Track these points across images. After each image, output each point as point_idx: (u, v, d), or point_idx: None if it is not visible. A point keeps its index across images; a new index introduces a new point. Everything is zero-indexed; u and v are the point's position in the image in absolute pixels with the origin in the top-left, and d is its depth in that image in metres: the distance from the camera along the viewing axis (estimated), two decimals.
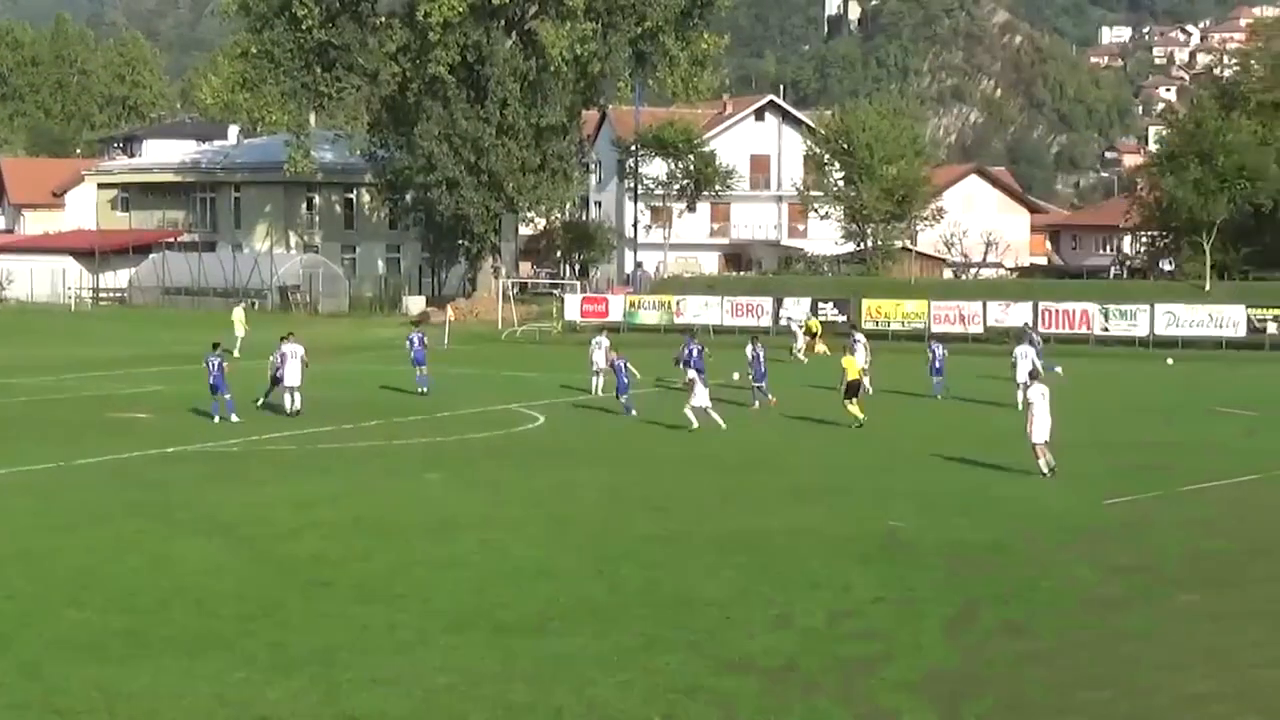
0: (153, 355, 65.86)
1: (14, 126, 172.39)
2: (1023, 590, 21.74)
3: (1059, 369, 52.31)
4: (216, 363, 42.77)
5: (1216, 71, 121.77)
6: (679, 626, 19.54)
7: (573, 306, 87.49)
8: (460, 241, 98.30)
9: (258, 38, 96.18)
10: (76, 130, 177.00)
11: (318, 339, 72.68)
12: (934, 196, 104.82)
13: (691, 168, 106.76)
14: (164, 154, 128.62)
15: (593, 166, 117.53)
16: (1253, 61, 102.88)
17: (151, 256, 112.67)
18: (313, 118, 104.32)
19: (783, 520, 27.18)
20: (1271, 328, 73.37)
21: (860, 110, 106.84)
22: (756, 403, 46.65)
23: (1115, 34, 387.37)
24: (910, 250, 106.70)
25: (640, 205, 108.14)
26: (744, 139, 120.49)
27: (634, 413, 44.41)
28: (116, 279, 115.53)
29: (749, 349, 48.38)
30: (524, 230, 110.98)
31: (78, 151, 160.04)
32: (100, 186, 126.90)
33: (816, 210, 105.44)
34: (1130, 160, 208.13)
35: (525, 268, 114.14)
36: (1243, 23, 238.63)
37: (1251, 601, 21.26)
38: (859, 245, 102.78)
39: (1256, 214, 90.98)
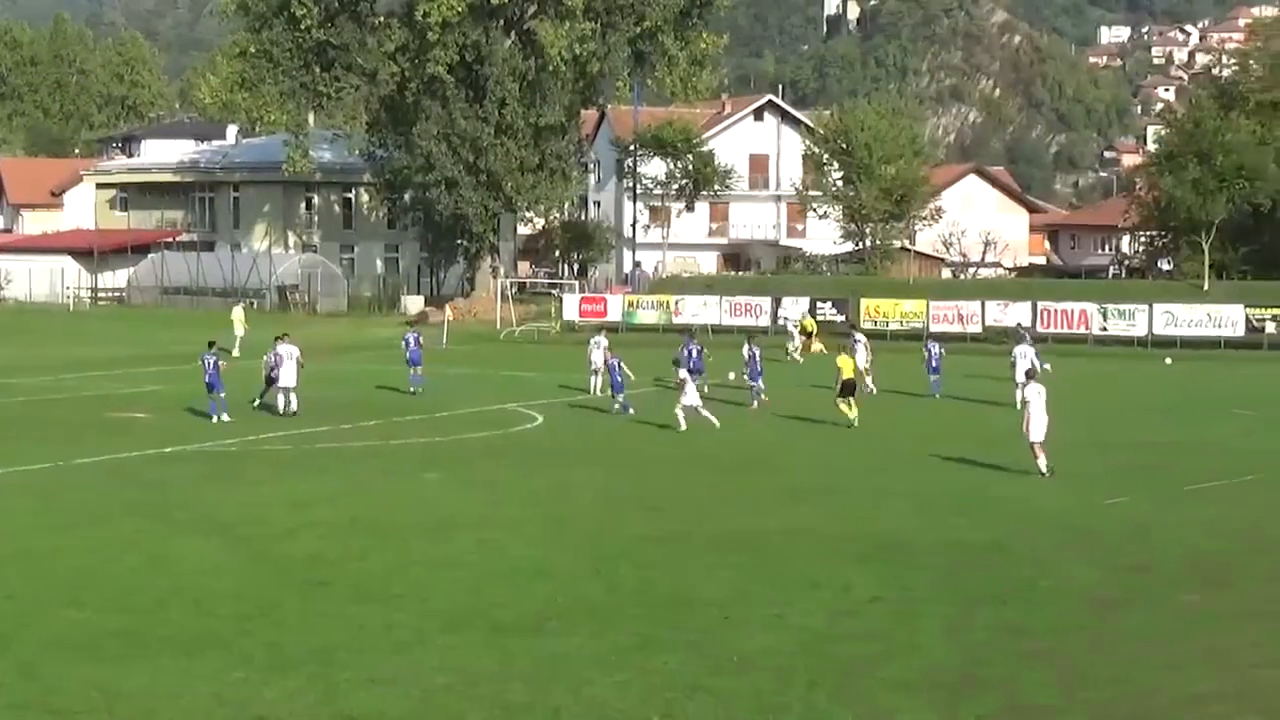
0: (151, 355, 65.87)
1: (12, 126, 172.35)
2: (1021, 590, 21.72)
3: (1047, 366, 52.38)
4: (212, 361, 42.83)
5: (1215, 71, 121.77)
6: (677, 626, 19.52)
7: (571, 306, 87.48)
8: (459, 241, 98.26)
9: (256, 37, 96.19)
10: (75, 130, 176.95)
11: (316, 338, 72.72)
12: (932, 196, 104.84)
13: (690, 167, 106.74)
14: (162, 154, 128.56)
15: (591, 166, 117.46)
16: (1251, 61, 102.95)
17: (150, 256, 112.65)
18: (311, 117, 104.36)
19: (780, 520, 27.17)
20: (1270, 327, 73.42)
21: (859, 110, 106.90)
22: (755, 402, 46.67)
23: (1114, 34, 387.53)
24: (909, 250, 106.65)
25: (639, 205, 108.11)
26: (743, 139, 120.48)
27: (631, 410, 44.50)
28: (115, 279, 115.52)
29: (745, 349, 48.45)
30: (522, 230, 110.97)
31: (76, 151, 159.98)
32: (99, 186, 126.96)
33: (815, 210, 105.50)
34: (1129, 160, 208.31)
35: (524, 267, 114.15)
36: (1241, 22, 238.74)
37: (1251, 601, 21.25)
38: (857, 245, 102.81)
39: (1255, 214, 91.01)
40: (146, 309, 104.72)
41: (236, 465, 34.34)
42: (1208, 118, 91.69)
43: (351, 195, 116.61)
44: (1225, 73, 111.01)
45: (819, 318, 79.11)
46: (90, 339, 79.43)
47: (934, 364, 50.77)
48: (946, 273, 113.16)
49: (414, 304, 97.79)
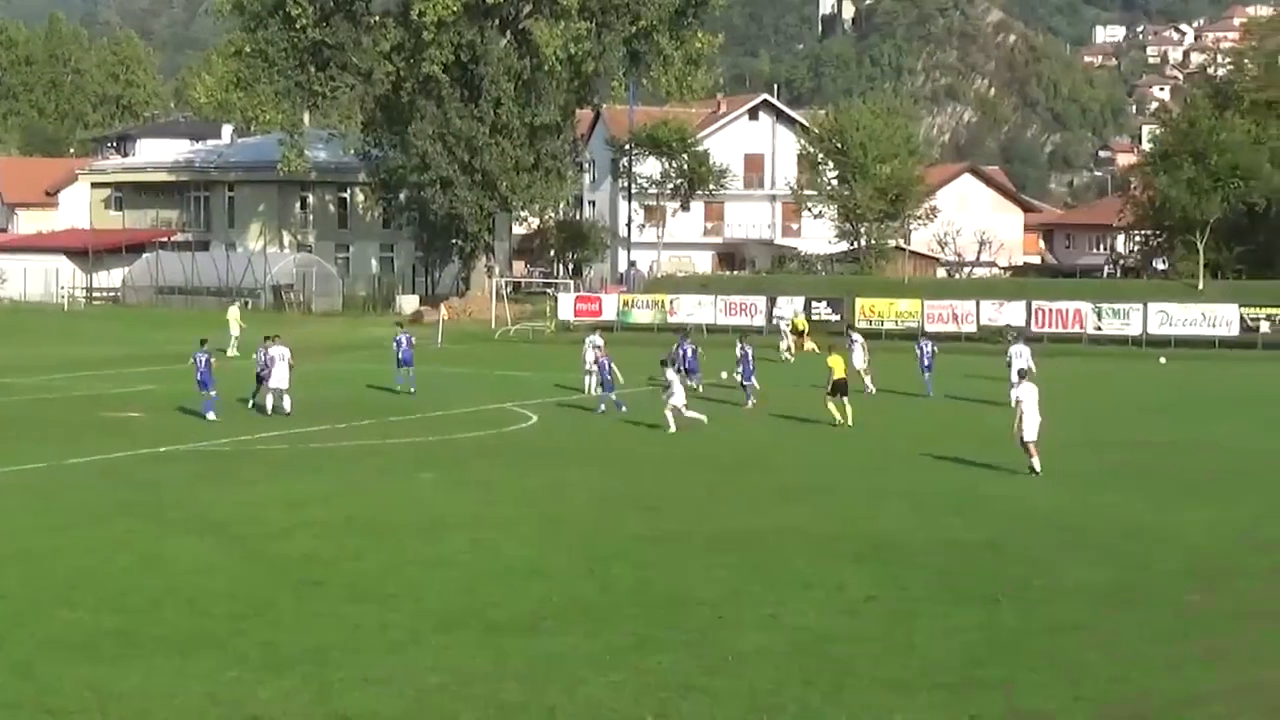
0: (146, 355, 65.85)
1: (7, 125, 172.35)
2: (1017, 589, 21.71)
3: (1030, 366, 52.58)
4: (204, 359, 42.85)
5: (1210, 71, 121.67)
6: (671, 626, 19.52)
7: (566, 306, 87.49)
8: (454, 241, 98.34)
9: (252, 37, 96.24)
10: (70, 129, 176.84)
11: (311, 338, 72.79)
12: (927, 196, 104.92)
13: (685, 167, 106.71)
14: (158, 153, 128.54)
15: (586, 166, 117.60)
16: (1246, 61, 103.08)
17: (145, 256, 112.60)
18: (306, 117, 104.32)
19: (775, 520, 27.17)
20: (1264, 327, 73.46)
21: (854, 109, 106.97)
22: (750, 401, 46.68)
23: (1109, 33, 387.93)
24: (904, 249, 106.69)
25: (634, 204, 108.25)
26: (738, 138, 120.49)
27: (624, 409, 44.59)
28: (110, 278, 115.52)
29: (738, 348, 48.51)
30: (518, 229, 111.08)
31: (71, 151, 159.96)
32: (94, 186, 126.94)
33: (810, 209, 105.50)
34: (1124, 159, 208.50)
35: (519, 267, 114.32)
36: (1236, 22, 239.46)
37: (1250, 601, 21.24)
38: (852, 244, 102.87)
39: (1250, 213, 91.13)
40: (141, 309, 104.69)
41: (231, 465, 34.33)
42: (1202, 117, 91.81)
43: (346, 195, 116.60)
44: (1220, 72, 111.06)
45: (814, 317, 79.22)
46: (85, 338, 79.43)
47: (926, 362, 50.86)
48: (941, 272, 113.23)
49: (409, 303, 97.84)
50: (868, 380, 50.18)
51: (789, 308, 79.29)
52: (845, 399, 41.85)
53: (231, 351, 64.01)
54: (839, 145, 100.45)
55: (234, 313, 70.61)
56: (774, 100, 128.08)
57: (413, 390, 49.66)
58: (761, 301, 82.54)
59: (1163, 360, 67.02)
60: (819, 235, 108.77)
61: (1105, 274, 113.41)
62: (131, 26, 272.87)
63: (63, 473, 32.93)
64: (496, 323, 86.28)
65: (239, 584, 21.93)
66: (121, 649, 18.36)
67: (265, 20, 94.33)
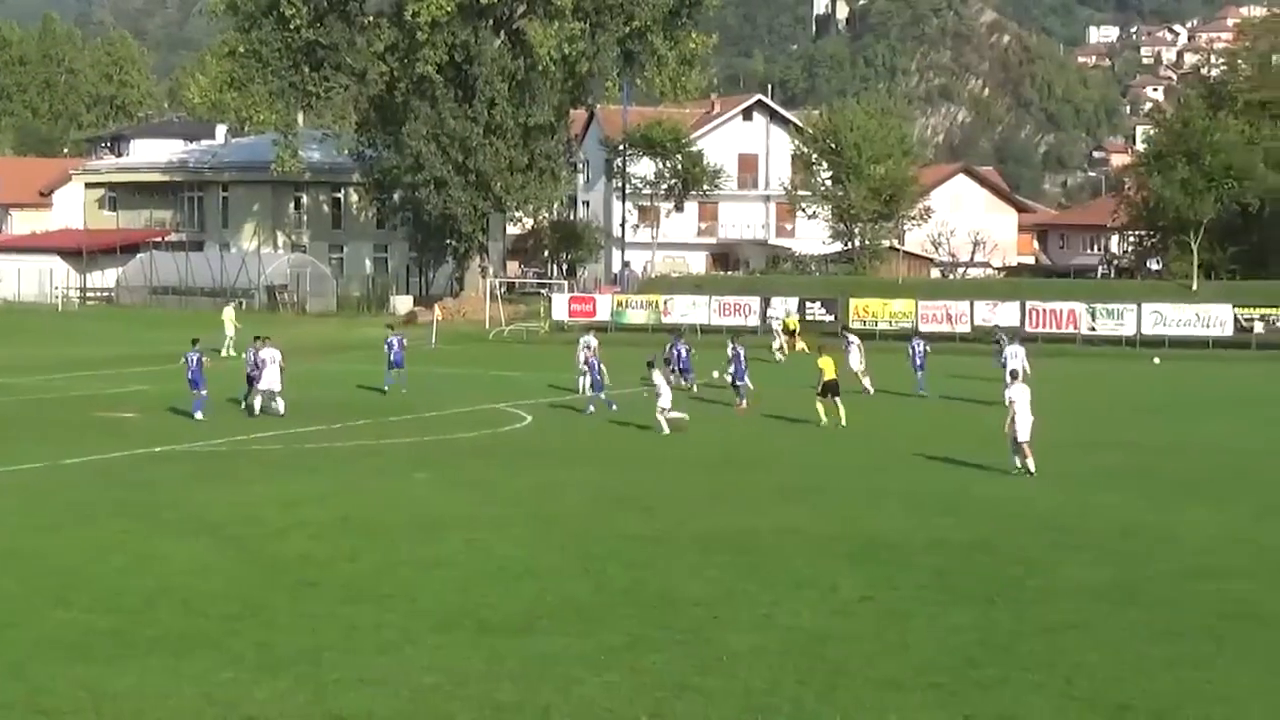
0: (140, 355, 65.80)
1: (1, 126, 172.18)
2: (1010, 589, 21.73)
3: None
4: (195, 358, 42.89)
5: (1204, 71, 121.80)
6: (665, 626, 19.53)
7: (560, 306, 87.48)
8: (448, 241, 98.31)
9: (245, 37, 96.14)
10: (64, 130, 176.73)
11: (305, 338, 72.84)
12: (921, 196, 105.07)
13: (679, 167, 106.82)
14: (151, 153, 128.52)
15: (580, 166, 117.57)
16: (1240, 61, 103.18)
17: (139, 256, 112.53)
18: (300, 117, 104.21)
19: (769, 519, 27.18)
20: (1258, 327, 73.49)
21: (848, 110, 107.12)
22: (744, 401, 46.69)
23: (1103, 33, 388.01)
24: (898, 250, 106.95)
25: (628, 205, 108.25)
26: (732, 138, 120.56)
27: (614, 407, 44.70)
28: (104, 278, 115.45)
29: (730, 348, 48.51)
30: (512, 230, 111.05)
31: (65, 151, 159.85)
32: (88, 186, 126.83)
33: (804, 210, 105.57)
34: (1118, 160, 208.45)
35: (513, 267, 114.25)
36: (1230, 22, 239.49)
37: (1248, 601, 21.25)
38: (846, 245, 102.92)
39: (1243, 214, 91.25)
40: (135, 309, 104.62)
41: (226, 465, 34.32)
42: (1196, 118, 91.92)
43: (340, 195, 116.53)
44: (1214, 73, 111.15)
45: (808, 318, 79.22)
46: (79, 339, 79.41)
47: (918, 361, 50.93)
48: (935, 272, 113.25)
49: (403, 304, 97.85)
50: (865, 381, 50.16)
51: (782, 308, 79.27)
52: (837, 399, 41.83)
53: (226, 352, 63.99)
54: (833, 145, 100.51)
55: (229, 313, 70.62)
56: (768, 100, 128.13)
57: (404, 390, 49.60)
58: (755, 302, 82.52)
59: (1157, 360, 67.09)
60: (813, 236, 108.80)
61: (1099, 274, 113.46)
62: (125, 27, 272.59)
63: (57, 473, 32.92)
64: (490, 323, 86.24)
65: (234, 584, 21.92)
66: (116, 649, 18.36)
67: (259, 20, 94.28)
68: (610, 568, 23.12)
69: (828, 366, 42.03)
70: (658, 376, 41.34)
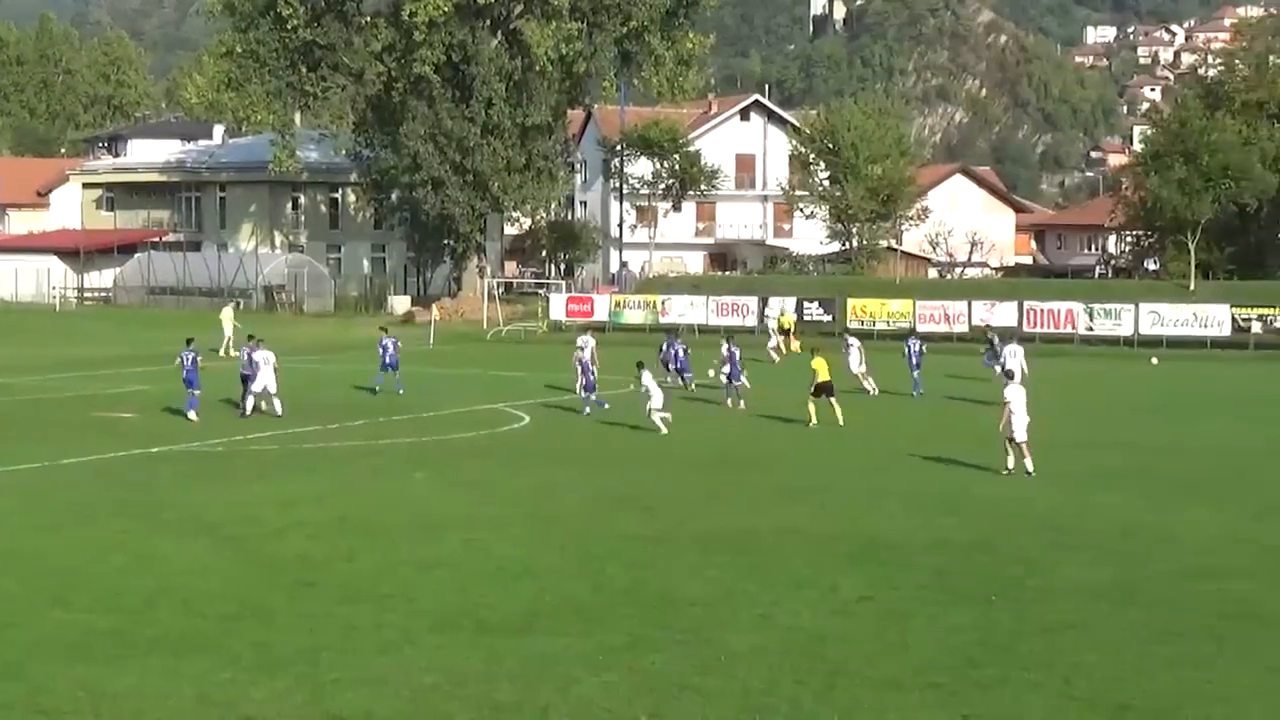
0: (137, 355, 65.74)
1: None
2: (1010, 589, 21.72)
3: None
4: (191, 357, 42.86)
5: (1201, 71, 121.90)
6: (664, 626, 19.52)
7: (558, 306, 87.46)
8: (445, 241, 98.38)
9: (243, 37, 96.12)
10: (61, 130, 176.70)
11: (303, 339, 72.88)
12: (919, 196, 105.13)
13: (677, 167, 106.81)
14: (149, 153, 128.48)
15: (578, 166, 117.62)
16: (1237, 61, 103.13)
17: (136, 256, 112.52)
18: (298, 117, 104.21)
19: (769, 519, 27.17)
20: (1255, 327, 73.46)
21: (845, 110, 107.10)
22: (741, 402, 46.67)
23: (1100, 34, 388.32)
24: (895, 250, 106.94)
25: (625, 205, 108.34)
26: (729, 138, 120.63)
27: (605, 405, 44.72)
28: (101, 279, 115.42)
29: (724, 347, 48.49)
30: (509, 230, 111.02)
31: (62, 151, 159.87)
32: (85, 186, 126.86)
33: (802, 210, 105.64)
34: (1115, 160, 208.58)
35: (510, 267, 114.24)
36: (1227, 22, 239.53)
37: (1246, 601, 21.25)
38: (844, 245, 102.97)
39: (1241, 214, 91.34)
40: (133, 309, 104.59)
41: (224, 465, 34.31)
42: (1193, 118, 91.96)
43: (338, 195, 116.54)
44: (1211, 73, 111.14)
45: (806, 318, 79.20)
46: (76, 339, 79.39)
47: (915, 361, 50.92)
48: (933, 272, 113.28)
49: (400, 304, 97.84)
50: (869, 383, 50.12)
51: (777, 306, 79.15)
52: (832, 399, 41.76)
53: (224, 352, 63.98)
54: (830, 146, 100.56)
55: (228, 313, 70.59)
56: (765, 101, 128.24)
57: (401, 391, 49.49)
58: (753, 302, 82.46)
59: (1154, 361, 67.05)
60: (811, 236, 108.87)
61: (1097, 274, 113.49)
62: (122, 27, 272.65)
63: (56, 473, 32.90)
64: (488, 323, 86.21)
65: (233, 585, 21.91)
66: (115, 649, 18.35)
67: (256, 20, 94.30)
68: (609, 568, 23.11)
69: (820, 368, 41.98)
70: (647, 378, 41.17)
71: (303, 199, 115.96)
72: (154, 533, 25.83)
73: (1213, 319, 73.86)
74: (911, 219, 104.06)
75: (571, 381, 50.32)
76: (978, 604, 20.81)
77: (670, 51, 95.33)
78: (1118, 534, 26.03)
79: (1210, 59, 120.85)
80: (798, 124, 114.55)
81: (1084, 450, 36.89)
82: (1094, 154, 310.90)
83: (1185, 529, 26.63)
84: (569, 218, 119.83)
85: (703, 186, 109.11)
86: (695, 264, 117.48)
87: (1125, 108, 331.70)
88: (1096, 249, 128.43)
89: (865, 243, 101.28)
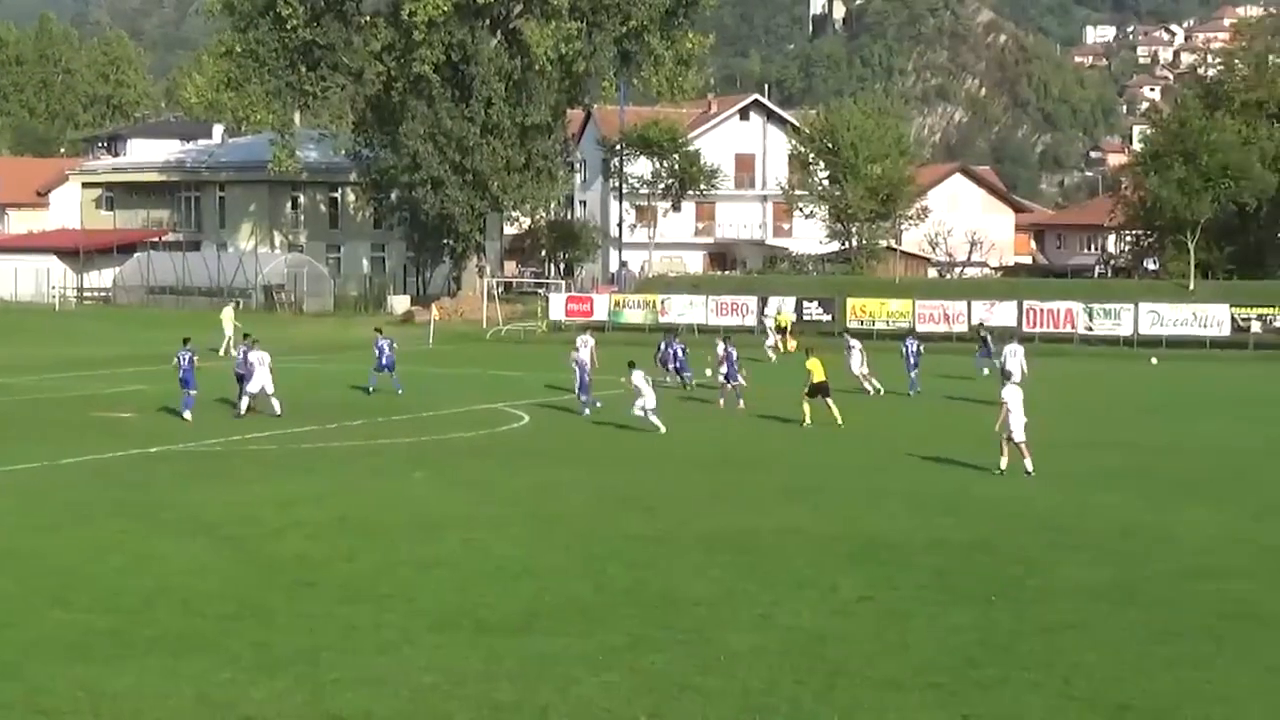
0: (137, 355, 65.70)
1: None
2: (1010, 589, 21.72)
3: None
4: (187, 357, 42.84)
5: (1200, 71, 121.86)
6: (665, 626, 19.51)
7: (557, 306, 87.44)
8: (445, 241, 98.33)
9: (242, 37, 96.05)
10: (61, 129, 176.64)
11: (302, 338, 72.86)
12: (918, 196, 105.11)
13: (676, 167, 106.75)
14: (148, 153, 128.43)
15: (578, 166, 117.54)
16: (1236, 61, 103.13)
17: (136, 256, 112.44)
18: (297, 117, 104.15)
19: (770, 519, 27.16)
20: (1255, 327, 73.45)
21: (845, 109, 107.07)
22: (741, 401, 46.62)
23: (1099, 33, 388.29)
24: (895, 249, 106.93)
25: (625, 204, 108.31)
26: (729, 138, 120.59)
27: (599, 404, 44.76)
28: (101, 278, 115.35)
29: (720, 347, 48.46)
30: (509, 229, 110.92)
31: (62, 151, 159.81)
32: (85, 186, 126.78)
33: (801, 209, 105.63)
34: (1114, 160, 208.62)
35: (510, 267, 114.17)
36: (1226, 22, 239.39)
37: (1246, 601, 21.24)
38: (844, 244, 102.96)
39: (1240, 213, 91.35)
40: (132, 309, 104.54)
41: (223, 465, 34.30)
42: (1193, 117, 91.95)
43: (337, 195, 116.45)
44: (1210, 72, 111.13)
45: (806, 318, 79.19)
46: (76, 339, 79.37)
47: (912, 361, 50.91)
48: (932, 272, 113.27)
49: (400, 304, 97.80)
50: (871, 383, 50.08)
51: (774, 305, 79.07)
52: (829, 400, 41.70)
53: (224, 351, 63.93)
54: (830, 145, 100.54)
55: (228, 313, 70.49)
56: (765, 100, 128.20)
57: (400, 391, 49.40)
58: (753, 301, 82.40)
59: (1154, 360, 67.04)
60: (810, 235, 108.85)
61: (1096, 274, 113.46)
62: (122, 26, 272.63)
63: (55, 473, 32.90)
64: (488, 323, 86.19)
65: (232, 584, 21.91)
66: (114, 649, 18.34)
67: (256, 20, 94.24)
68: (610, 567, 23.11)
69: (816, 368, 41.92)
70: (637, 376, 40.97)
71: (302, 199, 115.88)
72: (153, 533, 25.83)
73: (1212, 319, 73.86)
74: (911, 219, 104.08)
75: (571, 382, 50.30)
76: (978, 604, 20.81)
77: (670, 51, 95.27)
78: (1117, 534, 26.04)
79: (1210, 59, 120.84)
80: (797, 124, 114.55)
81: (1084, 450, 36.90)
82: (1093, 154, 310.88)
83: (1185, 529, 26.64)
84: (568, 217, 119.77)
85: (702, 186, 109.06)
86: (695, 264, 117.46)
87: (1125, 107, 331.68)
88: (1096, 249, 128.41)
89: (865, 242, 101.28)
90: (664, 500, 29.34)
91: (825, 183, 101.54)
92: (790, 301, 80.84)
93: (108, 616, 19.95)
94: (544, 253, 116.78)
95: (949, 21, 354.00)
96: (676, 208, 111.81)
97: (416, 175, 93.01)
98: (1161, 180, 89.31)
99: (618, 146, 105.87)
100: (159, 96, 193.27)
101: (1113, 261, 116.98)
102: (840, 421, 41.01)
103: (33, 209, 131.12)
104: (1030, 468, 31.96)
